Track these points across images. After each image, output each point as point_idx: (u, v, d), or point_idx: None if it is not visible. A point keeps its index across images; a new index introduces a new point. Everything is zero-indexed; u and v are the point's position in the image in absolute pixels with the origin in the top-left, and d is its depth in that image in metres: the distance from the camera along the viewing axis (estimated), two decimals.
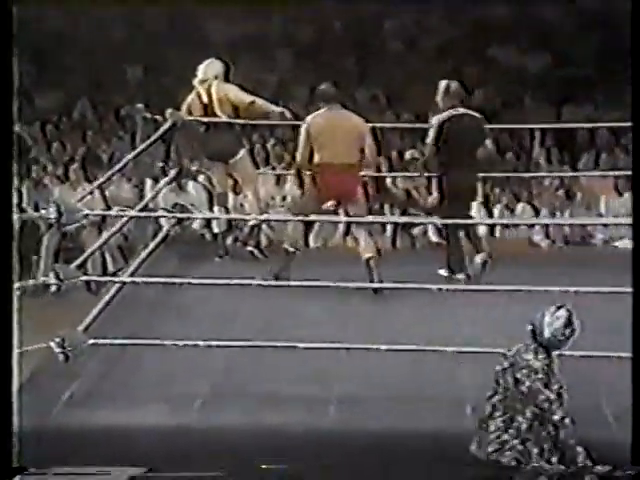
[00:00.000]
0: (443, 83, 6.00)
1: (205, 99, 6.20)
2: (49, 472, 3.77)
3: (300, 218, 5.74)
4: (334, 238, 7.75)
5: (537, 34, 11.18)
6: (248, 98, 6.13)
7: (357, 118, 5.73)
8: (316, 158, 5.64)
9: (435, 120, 5.92)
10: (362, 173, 5.85)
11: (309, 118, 5.72)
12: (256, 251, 6.39)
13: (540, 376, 3.60)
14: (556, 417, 3.58)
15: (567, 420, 3.61)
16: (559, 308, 3.70)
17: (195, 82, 6.22)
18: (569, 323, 3.66)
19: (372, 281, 5.55)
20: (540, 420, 3.60)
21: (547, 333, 3.64)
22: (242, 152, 6.31)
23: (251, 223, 6.39)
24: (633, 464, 3.59)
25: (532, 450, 3.58)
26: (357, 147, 5.63)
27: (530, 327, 3.70)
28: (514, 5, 11.28)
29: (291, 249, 5.77)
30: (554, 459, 3.57)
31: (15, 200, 3.96)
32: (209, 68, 6.21)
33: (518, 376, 3.63)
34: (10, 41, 3.47)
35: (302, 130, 5.69)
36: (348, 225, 5.93)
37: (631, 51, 3.78)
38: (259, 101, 6.17)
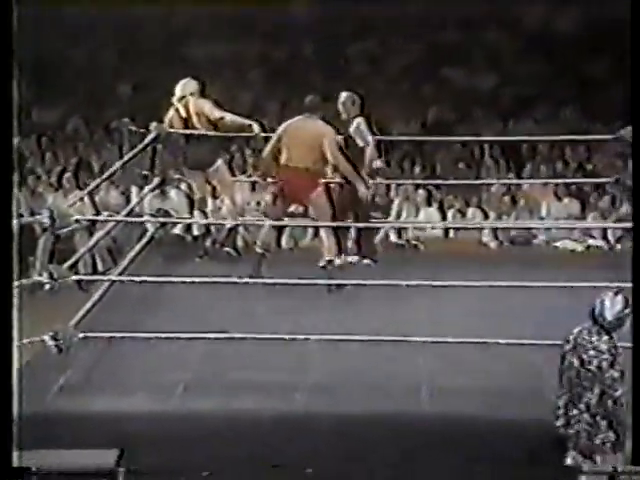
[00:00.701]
0: (344, 95, 5.94)
1: (184, 114, 6.18)
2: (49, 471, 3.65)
3: (271, 222, 5.69)
4: (304, 239, 7.71)
5: (485, 56, 11.24)
6: (219, 114, 6.08)
7: (323, 125, 5.58)
8: (281, 160, 5.57)
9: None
10: (324, 177, 5.67)
11: (285, 123, 5.67)
12: (232, 251, 6.35)
13: (606, 356, 3.59)
14: (618, 394, 3.56)
15: (624, 397, 3.58)
16: (617, 294, 3.68)
17: (174, 100, 6.20)
18: (626, 306, 3.65)
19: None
20: (605, 397, 3.57)
21: (609, 316, 3.63)
22: (219, 161, 6.28)
23: (228, 226, 6.34)
24: (633, 464, 3.52)
25: (601, 423, 3.54)
26: (318, 152, 5.51)
27: (592, 311, 3.65)
28: (465, 30, 11.34)
29: (260, 250, 5.70)
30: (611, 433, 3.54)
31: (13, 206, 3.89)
32: (185, 86, 6.20)
33: (584, 357, 3.60)
34: (10, 57, 3.42)
35: (275, 133, 5.64)
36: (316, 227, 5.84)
37: (631, 52, 3.57)
38: (228, 117, 6.10)
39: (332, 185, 5.81)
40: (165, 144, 6.29)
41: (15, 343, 3.58)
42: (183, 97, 6.17)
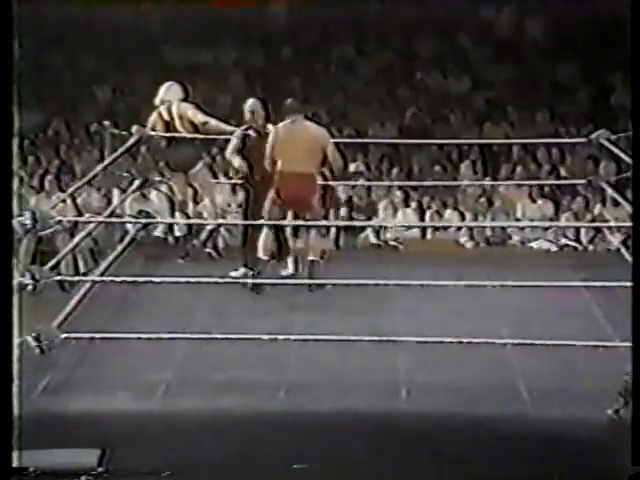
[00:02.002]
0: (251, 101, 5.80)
1: (166, 117, 6.16)
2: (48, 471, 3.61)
3: (250, 222, 5.64)
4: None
5: (461, 62, 11.29)
6: (202, 118, 6.06)
7: (317, 129, 5.51)
8: (277, 166, 5.45)
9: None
10: (319, 182, 5.54)
11: (274, 128, 5.54)
12: (213, 252, 6.32)
13: None
14: None
15: None
16: None
17: (156, 102, 6.18)
18: None
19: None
20: None
21: None
22: (200, 164, 6.26)
23: (209, 227, 6.32)
24: (633, 464, 3.39)
25: None
26: (316, 157, 5.41)
27: None
28: (440, 36, 11.39)
29: (265, 257, 5.48)
30: None
31: None
32: (169, 90, 6.17)
33: None
34: (11, 53, 3.38)
35: (269, 138, 5.49)
36: (297, 227, 5.76)
37: (631, 53, 3.48)
38: (212, 122, 6.08)
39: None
40: (147, 147, 6.27)
41: (15, 342, 3.54)
42: (166, 101, 6.14)
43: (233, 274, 5.63)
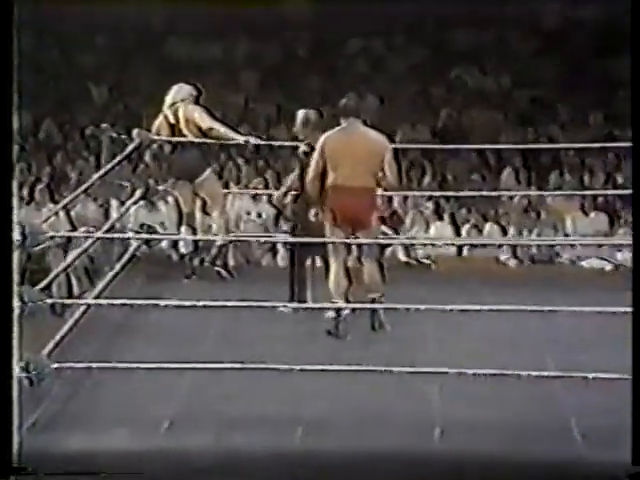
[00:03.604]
0: (301, 113, 5.70)
1: (172, 120, 6.22)
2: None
3: (266, 239, 5.65)
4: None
5: (501, 56, 11.31)
6: (209, 123, 6.12)
7: (377, 135, 5.23)
8: (330, 180, 5.17)
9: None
10: (379, 197, 5.35)
11: (324, 136, 5.25)
12: (224, 272, 6.36)
13: None
14: None
15: None
16: None
17: (166, 105, 6.23)
18: None
19: (374, 323, 5.21)
20: None
21: None
22: (208, 172, 6.30)
23: (218, 243, 6.37)
24: (633, 464, 3.59)
25: None
26: (375, 168, 5.16)
27: None
28: (478, 28, 11.42)
29: (341, 301, 5.16)
30: None
31: None
32: (177, 93, 6.24)
33: None
34: (10, 56, 3.46)
35: (317, 148, 5.22)
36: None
37: (631, 52, 3.65)
38: (220, 129, 6.14)
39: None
40: (150, 152, 6.33)
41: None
42: (174, 103, 6.21)
43: (283, 309, 5.29)
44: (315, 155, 5.23)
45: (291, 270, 5.80)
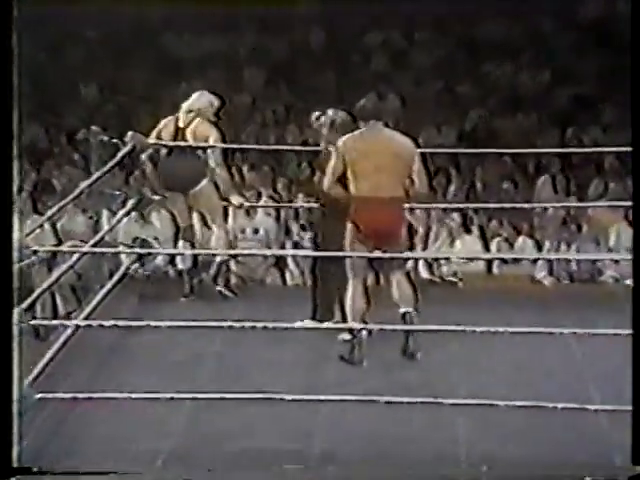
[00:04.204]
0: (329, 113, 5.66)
1: (181, 124, 6.24)
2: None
3: (270, 252, 5.65)
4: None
5: (538, 50, 11.34)
6: (218, 160, 6.15)
7: (403, 139, 5.20)
8: (352, 190, 5.14)
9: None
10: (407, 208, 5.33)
11: (342, 140, 5.21)
12: (226, 291, 6.38)
13: None
14: None
15: None
16: None
17: (181, 110, 6.25)
18: None
19: (407, 344, 5.17)
20: None
21: None
22: (205, 182, 6.29)
23: (219, 259, 6.39)
24: (633, 464, 3.75)
25: None
26: (402, 176, 5.14)
27: None
28: (512, 18, 11.44)
29: (358, 324, 5.11)
30: None
31: None
32: (197, 100, 6.28)
33: None
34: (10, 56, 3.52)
35: (334, 154, 5.19)
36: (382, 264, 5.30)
37: (631, 52, 3.84)
38: (223, 173, 6.18)
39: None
40: (150, 157, 6.34)
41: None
42: (190, 111, 6.24)
43: (299, 325, 5.39)
44: (333, 161, 5.19)
45: (314, 285, 5.81)
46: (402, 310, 5.21)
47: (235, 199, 6.38)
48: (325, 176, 5.23)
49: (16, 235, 4.51)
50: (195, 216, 6.43)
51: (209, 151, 6.18)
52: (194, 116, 6.21)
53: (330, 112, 5.71)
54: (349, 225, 5.19)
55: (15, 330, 4.17)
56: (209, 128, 6.21)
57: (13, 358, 3.90)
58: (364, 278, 5.23)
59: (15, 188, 3.88)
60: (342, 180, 5.17)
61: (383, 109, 5.27)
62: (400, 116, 5.32)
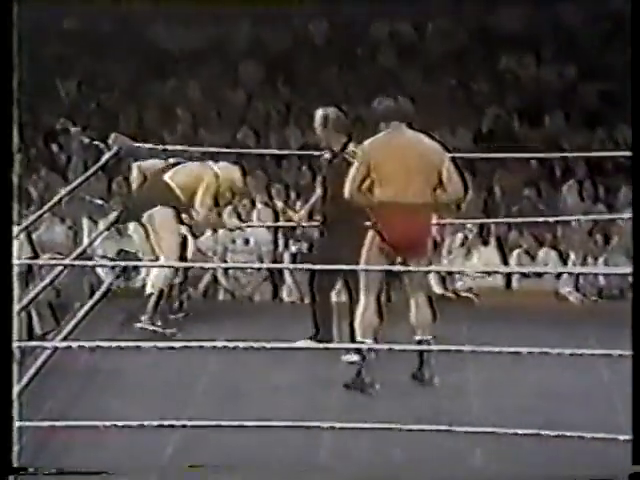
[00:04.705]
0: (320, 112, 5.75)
1: None
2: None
3: (264, 265, 5.68)
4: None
5: (562, 42, 11.36)
6: (207, 200, 6.13)
7: (430, 142, 5.29)
8: (377, 195, 5.19)
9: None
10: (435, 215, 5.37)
11: (367, 143, 5.28)
12: (152, 327, 6.02)
13: None
14: None
15: None
16: None
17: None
18: None
19: (421, 372, 5.23)
20: None
21: None
22: (157, 207, 6.08)
23: (206, 277, 6.38)
24: (634, 464, 3.90)
25: None
26: (431, 181, 5.19)
27: None
28: (532, 7, 11.45)
29: (370, 340, 5.16)
30: None
31: None
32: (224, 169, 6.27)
33: None
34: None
35: (358, 158, 5.26)
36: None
37: (631, 52, 4.03)
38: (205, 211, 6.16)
39: None
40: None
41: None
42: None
43: (300, 344, 5.46)
44: (357, 165, 5.24)
45: (312, 301, 5.85)
46: (418, 337, 5.25)
47: (229, 223, 6.52)
48: (347, 181, 5.24)
49: None
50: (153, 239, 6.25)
51: (235, 183, 6.23)
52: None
53: (320, 110, 5.78)
54: (371, 233, 5.21)
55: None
56: (233, 172, 6.27)
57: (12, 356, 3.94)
58: (379, 293, 5.25)
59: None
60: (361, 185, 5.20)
61: (400, 110, 5.30)
62: (412, 118, 5.31)
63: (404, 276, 5.29)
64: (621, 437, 4.28)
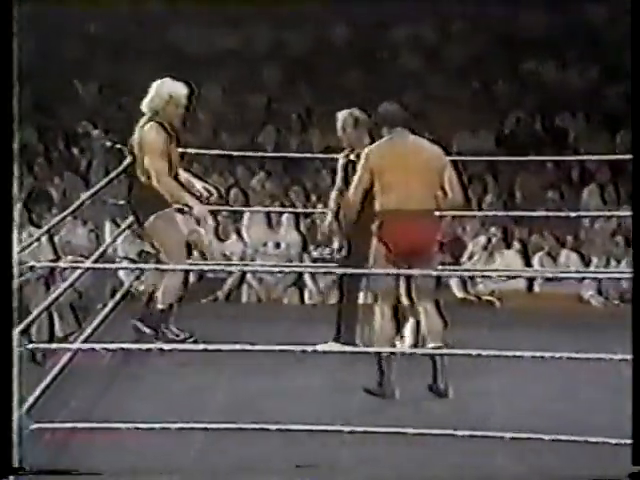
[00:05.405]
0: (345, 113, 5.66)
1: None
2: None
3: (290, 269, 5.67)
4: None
5: (585, 44, 11.32)
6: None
7: (432, 146, 5.28)
8: (380, 203, 5.17)
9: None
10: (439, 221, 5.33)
11: (368, 149, 5.27)
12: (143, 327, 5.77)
13: None
14: None
15: None
16: None
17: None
18: None
19: (435, 382, 5.18)
20: None
21: None
22: (152, 217, 5.71)
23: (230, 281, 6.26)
24: (634, 464, 3.94)
25: None
26: (434, 187, 5.19)
27: None
28: (555, 8, 11.42)
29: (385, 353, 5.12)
30: None
31: None
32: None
33: None
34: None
35: (361, 164, 5.23)
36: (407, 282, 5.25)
37: (632, 52, 4.02)
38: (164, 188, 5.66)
39: None
40: None
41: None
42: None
43: (321, 348, 5.41)
44: (360, 172, 5.23)
45: (339, 303, 5.85)
46: (431, 345, 5.22)
47: (197, 208, 5.72)
48: (350, 189, 5.26)
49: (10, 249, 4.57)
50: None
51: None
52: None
53: (348, 111, 5.71)
54: (375, 243, 5.21)
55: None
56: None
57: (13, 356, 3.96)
58: (393, 301, 5.24)
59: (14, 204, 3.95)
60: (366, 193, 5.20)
61: (406, 116, 5.29)
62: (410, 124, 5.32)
63: (411, 284, 5.25)
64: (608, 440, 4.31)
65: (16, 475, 4.15)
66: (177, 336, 5.77)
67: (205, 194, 5.83)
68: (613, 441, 4.29)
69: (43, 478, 4.29)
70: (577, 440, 4.34)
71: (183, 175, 5.91)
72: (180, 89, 5.86)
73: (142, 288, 5.79)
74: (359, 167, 5.26)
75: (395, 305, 5.25)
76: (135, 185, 5.77)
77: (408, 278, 5.21)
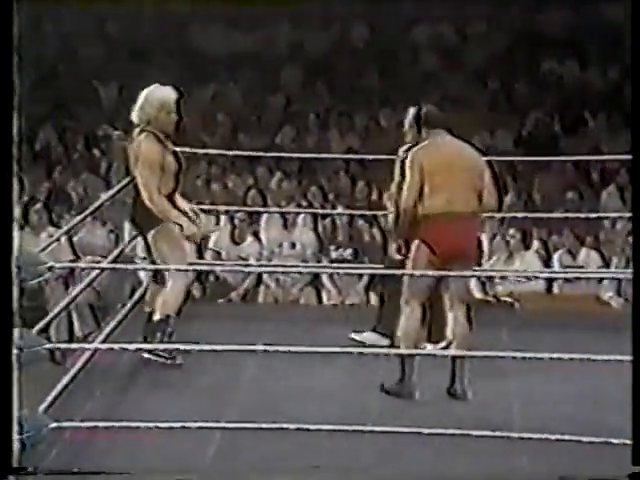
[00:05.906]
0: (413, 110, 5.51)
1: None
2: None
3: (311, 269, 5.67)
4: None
5: (607, 43, 11.28)
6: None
7: (474, 151, 5.29)
8: (428, 205, 5.14)
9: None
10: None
11: (416, 151, 5.23)
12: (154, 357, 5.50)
13: None
14: None
15: None
16: None
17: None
18: None
19: (453, 386, 5.16)
20: None
21: None
22: (152, 231, 5.57)
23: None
24: (633, 464, 3.97)
25: None
26: (477, 190, 5.19)
27: None
28: (575, 7, 11.37)
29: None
30: None
31: None
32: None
33: None
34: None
35: (411, 165, 5.18)
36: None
37: (632, 52, 4.08)
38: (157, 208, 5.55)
39: None
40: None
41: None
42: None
43: (356, 336, 5.55)
44: (411, 174, 5.18)
45: (381, 301, 5.95)
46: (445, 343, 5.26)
47: (187, 228, 5.59)
48: (404, 191, 5.18)
49: (29, 249, 4.59)
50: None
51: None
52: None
53: (423, 108, 5.45)
54: (419, 244, 5.17)
55: (24, 356, 4.24)
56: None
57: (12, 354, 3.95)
58: (424, 302, 5.23)
59: (16, 201, 3.94)
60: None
61: (445, 118, 5.29)
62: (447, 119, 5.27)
63: (444, 286, 5.24)
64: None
65: (16, 475, 4.15)
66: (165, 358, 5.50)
67: (192, 216, 5.67)
68: (614, 441, 4.28)
69: (43, 478, 4.29)
70: (577, 440, 4.33)
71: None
72: (170, 94, 5.76)
73: (158, 316, 5.56)
74: (409, 169, 5.20)
75: (425, 306, 5.23)
76: (137, 198, 5.67)
77: (444, 280, 5.18)
